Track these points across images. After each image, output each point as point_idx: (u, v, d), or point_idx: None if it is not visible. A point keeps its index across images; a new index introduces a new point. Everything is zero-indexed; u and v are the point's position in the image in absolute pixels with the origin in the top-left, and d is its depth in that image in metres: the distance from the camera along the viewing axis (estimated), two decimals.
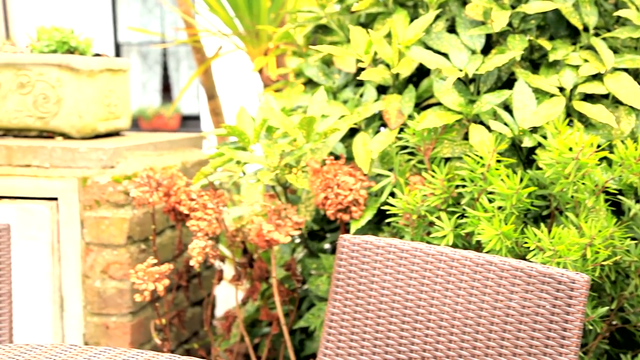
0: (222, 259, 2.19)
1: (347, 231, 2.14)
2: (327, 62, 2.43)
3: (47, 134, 2.50)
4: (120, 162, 2.35)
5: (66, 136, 2.48)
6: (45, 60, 2.41)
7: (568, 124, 1.83)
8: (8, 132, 2.50)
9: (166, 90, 10.12)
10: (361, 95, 2.21)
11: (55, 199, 2.29)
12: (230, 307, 3.24)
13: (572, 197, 1.67)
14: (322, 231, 2.46)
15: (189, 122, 9.65)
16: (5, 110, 2.45)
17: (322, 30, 2.43)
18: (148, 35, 9.44)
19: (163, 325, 2.27)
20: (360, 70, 2.25)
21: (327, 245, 2.50)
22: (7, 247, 1.94)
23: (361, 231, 2.09)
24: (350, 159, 2.14)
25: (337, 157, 2.14)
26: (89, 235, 2.28)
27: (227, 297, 3.53)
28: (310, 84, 2.49)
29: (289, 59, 2.61)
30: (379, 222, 2.18)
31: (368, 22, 2.33)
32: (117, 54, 9.32)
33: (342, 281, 1.68)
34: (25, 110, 2.45)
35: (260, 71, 2.97)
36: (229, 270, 3.26)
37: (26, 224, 2.27)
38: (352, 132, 2.23)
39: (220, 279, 2.32)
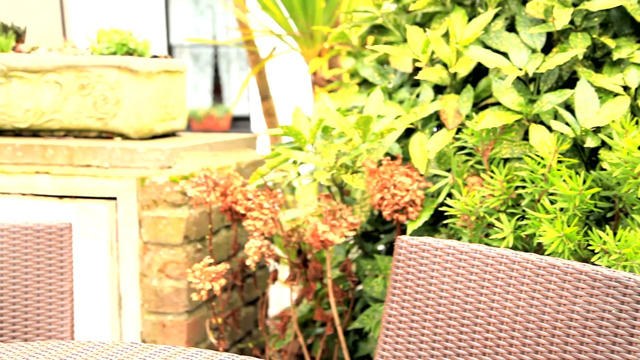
0: (277, 259, 2.20)
1: (403, 232, 2.12)
2: (383, 62, 2.42)
3: (106, 135, 2.55)
4: (177, 162, 2.37)
5: (124, 137, 2.52)
6: (105, 62, 2.45)
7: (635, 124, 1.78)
8: (69, 132, 2.56)
9: (217, 91, 10.23)
10: (417, 95, 2.19)
11: (114, 198, 2.33)
12: (282, 307, 3.25)
13: (639, 198, 1.63)
14: (377, 232, 2.45)
15: (239, 123, 9.73)
16: (66, 111, 2.51)
17: (377, 30, 2.42)
18: (200, 37, 9.55)
19: (219, 325, 2.28)
20: (416, 70, 2.23)
21: (381, 247, 2.48)
22: (69, 245, 1.98)
23: (417, 232, 2.07)
24: (406, 159, 2.12)
25: (393, 158, 2.13)
26: (147, 234, 2.31)
27: (278, 297, 3.54)
28: (365, 84, 2.48)
29: (343, 59, 2.60)
30: (435, 223, 2.16)
31: (424, 22, 2.31)
32: (170, 56, 9.46)
33: (400, 282, 1.66)
34: (86, 111, 2.50)
35: (314, 72, 2.97)
36: (281, 270, 3.27)
37: (86, 223, 2.32)
38: (408, 132, 2.21)
39: (275, 279, 2.33)
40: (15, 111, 2.52)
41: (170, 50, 9.57)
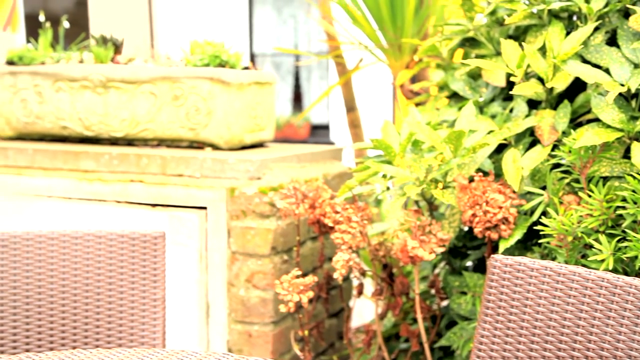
0: (363, 272, 2.19)
1: (494, 249, 2.08)
2: (474, 75, 2.38)
3: (197, 145, 2.60)
4: (266, 173, 2.40)
5: (215, 147, 2.57)
6: (198, 74, 2.51)
7: None
8: (161, 142, 2.62)
9: (297, 99, 10.32)
10: (511, 110, 2.15)
11: (205, 208, 2.37)
12: (362, 319, 3.23)
13: None
14: (464, 248, 2.40)
15: (319, 131, 9.78)
16: (160, 121, 2.57)
17: (469, 42, 2.39)
18: (281, 46, 9.66)
19: (304, 336, 2.29)
20: (510, 84, 2.18)
21: (469, 263, 2.44)
22: (162, 253, 2.03)
23: (509, 250, 2.02)
24: (498, 175, 2.08)
25: (485, 173, 2.09)
26: (235, 244, 2.34)
27: (359, 309, 3.53)
28: (455, 97, 2.44)
29: (432, 71, 2.58)
30: (527, 242, 2.11)
31: (518, 35, 2.26)
32: (253, 64, 9.60)
33: (493, 303, 1.63)
34: (178, 121, 2.56)
35: (401, 84, 2.96)
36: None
37: (177, 231, 2.37)
38: (500, 147, 2.17)
39: (360, 292, 2.32)
40: (112, 120, 2.61)
41: (252, 58, 9.72)
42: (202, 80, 2.51)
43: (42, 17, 2.94)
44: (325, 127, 9.77)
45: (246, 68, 2.64)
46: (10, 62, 2.77)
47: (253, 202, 2.32)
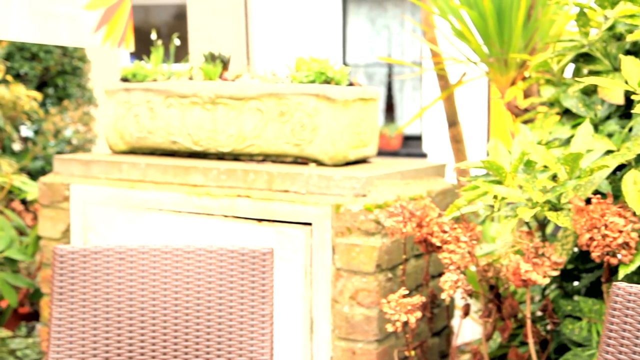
0: (471, 293, 2.15)
1: (611, 274, 2.00)
2: (588, 92, 2.30)
3: (301, 160, 2.62)
4: (371, 190, 2.39)
5: (319, 163, 2.58)
6: (304, 90, 2.53)
7: None
8: (267, 157, 2.66)
9: (389, 110, 10.29)
10: (630, 129, 2.06)
11: (310, 224, 2.39)
12: (463, 339, 3.17)
13: None
14: (577, 270, 2.32)
15: (411, 142, 9.72)
16: (266, 136, 2.61)
17: (583, 58, 2.31)
18: (374, 57, 9.66)
19: (409, 356, 2.27)
20: (628, 101, 2.10)
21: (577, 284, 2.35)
22: (270, 269, 2.05)
23: (628, 277, 1.94)
24: (617, 197, 2.00)
25: (602, 195, 2.01)
26: (340, 261, 2.34)
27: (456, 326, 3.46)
28: (567, 114, 2.37)
29: (542, 87, 2.51)
30: None
31: (637, 50, 2.18)
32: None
33: (616, 332, 1.56)
34: (283, 137, 2.59)
35: (508, 100, 2.89)
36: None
37: (283, 247, 2.40)
38: (617, 167, 2.08)
39: (466, 313, 2.28)
40: (219, 136, 2.66)
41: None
42: (308, 97, 2.53)
43: (154, 35, 3.04)
44: (417, 138, 9.69)
45: (351, 84, 2.65)
46: (125, 79, 2.88)
47: (358, 220, 2.32)
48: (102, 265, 2.08)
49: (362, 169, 2.56)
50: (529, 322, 2.02)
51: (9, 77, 3.54)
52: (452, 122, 3.29)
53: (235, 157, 2.71)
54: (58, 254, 2.05)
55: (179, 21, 10.42)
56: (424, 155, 9.30)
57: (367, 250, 2.30)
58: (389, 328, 2.07)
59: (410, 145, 9.69)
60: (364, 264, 2.31)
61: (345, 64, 9.74)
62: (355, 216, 2.32)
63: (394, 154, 9.31)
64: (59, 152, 4.48)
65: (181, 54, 9.93)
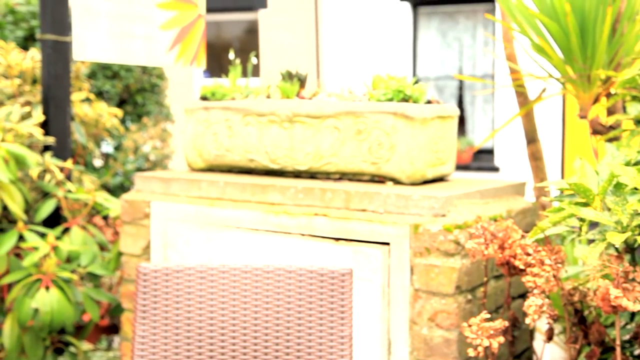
0: (556, 318, 2.08)
1: None
2: None
3: (378, 179, 2.61)
4: (450, 210, 2.36)
5: (396, 181, 2.56)
6: (381, 109, 2.52)
7: None
8: (343, 175, 2.65)
9: (460, 123, 10.17)
10: None
11: (388, 243, 2.36)
12: None
13: None
14: None
15: (482, 155, 9.56)
16: (342, 155, 2.61)
17: None
18: (445, 70, 9.57)
19: None
20: None
21: None
22: (349, 290, 2.04)
23: None
24: None
25: None
26: (418, 282, 2.31)
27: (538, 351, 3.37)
28: None
29: (629, 104, 2.43)
30: None
31: None
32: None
33: None
34: (360, 155, 2.58)
35: (590, 117, 2.81)
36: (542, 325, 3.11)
37: (361, 267, 2.38)
38: None
39: (550, 338, 2.21)
40: (297, 154, 2.67)
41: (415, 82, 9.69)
42: (386, 115, 2.52)
43: (231, 55, 3.09)
44: (489, 152, 9.53)
45: (429, 102, 2.62)
46: (204, 98, 2.92)
47: (437, 240, 2.28)
48: (184, 284, 2.11)
49: (440, 188, 2.52)
50: (618, 350, 1.95)
51: (91, 96, 3.65)
52: (531, 139, 3.21)
53: (312, 175, 2.72)
54: (141, 272, 2.10)
55: (249, 36, 10.57)
56: (495, 169, 9.14)
57: (447, 271, 2.26)
58: (471, 353, 2.02)
59: (482, 159, 9.54)
60: (443, 285, 2.27)
61: (415, 77, 9.68)
62: (434, 236, 2.28)
63: (464, 167, 9.18)
64: (138, 168, 4.59)
65: (255, 67, 10.07)
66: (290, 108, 2.66)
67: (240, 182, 2.67)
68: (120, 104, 4.96)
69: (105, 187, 4.40)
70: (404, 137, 2.50)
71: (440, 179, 2.74)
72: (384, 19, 9.48)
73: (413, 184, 2.55)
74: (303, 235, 2.52)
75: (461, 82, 9.75)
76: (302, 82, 2.82)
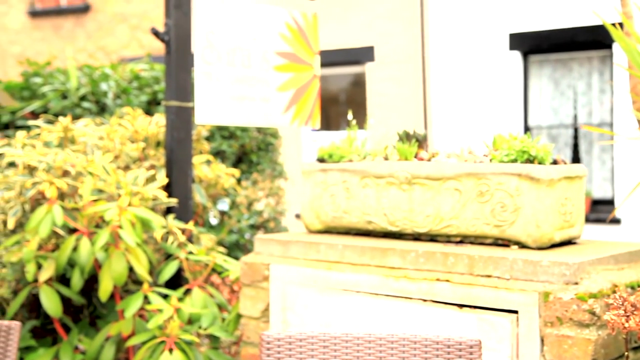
0: None
1: None
2: None
3: (501, 242, 2.51)
4: (583, 277, 2.23)
5: (521, 245, 2.46)
6: (505, 170, 2.44)
7: None
8: (465, 238, 2.58)
9: None
10: None
11: (515, 312, 2.26)
12: None
13: None
14: None
15: (601, 206, 9.14)
16: (464, 217, 2.53)
17: None
18: (558, 119, 9.29)
19: None
20: None
21: None
22: None
23: None
24: None
25: None
26: (550, 353, 2.19)
27: None
28: None
29: None
30: None
31: None
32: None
33: None
34: (483, 218, 2.50)
35: None
36: None
37: (486, 336, 2.28)
38: None
39: None
40: (416, 216, 2.63)
41: (527, 131, 9.45)
42: (510, 177, 2.43)
43: (350, 116, 3.10)
44: (608, 203, 9.10)
45: (555, 162, 2.52)
46: (321, 160, 2.94)
47: (570, 309, 2.16)
48: (307, 353, 2.08)
49: (570, 252, 2.40)
50: None
51: (210, 157, 3.75)
52: None
53: (432, 237, 2.65)
54: (265, 340, 2.09)
55: (355, 89, 10.68)
56: (616, 221, 8.70)
57: (581, 343, 2.13)
58: None
59: (600, 210, 9.11)
60: (577, 358, 2.14)
61: (527, 126, 9.45)
62: (567, 305, 2.16)
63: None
64: (252, 225, 4.66)
65: (359, 121, 10.14)
66: (409, 170, 2.62)
67: (359, 245, 2.64)
68: (236, 162, 5.08)
69: (221, 244, 4.48)
70: (530, 199, 2.40)
71: (568, 242, 2.61)
72: (494, 69, 9.35)
73: (540, 248, 2.44)
74: (425, 300, 2.45)
75: (576, 131, 9.43)
76: (420, 142, 2.78)
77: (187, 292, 3.15)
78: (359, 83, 10.66)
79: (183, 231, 3.26)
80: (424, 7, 9.70)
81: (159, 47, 11.45)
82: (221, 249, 3.54)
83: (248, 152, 5.03)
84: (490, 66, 9.44)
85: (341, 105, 10.75)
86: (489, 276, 2.35)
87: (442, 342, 2.02)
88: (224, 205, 4.66)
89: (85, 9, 12.14)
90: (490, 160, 2.55)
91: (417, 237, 2.69)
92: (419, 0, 9.75)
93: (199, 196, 3.55)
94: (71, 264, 3.10)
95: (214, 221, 4.55)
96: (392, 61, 10.00)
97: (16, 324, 2.32)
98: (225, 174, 3.80)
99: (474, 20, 9.47)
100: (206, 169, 3.71)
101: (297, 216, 9.01)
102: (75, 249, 2.99)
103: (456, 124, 9.46)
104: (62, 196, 3.16)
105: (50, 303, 2.94)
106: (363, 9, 10.03)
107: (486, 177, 2.48)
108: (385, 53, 10.05)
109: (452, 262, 2.43)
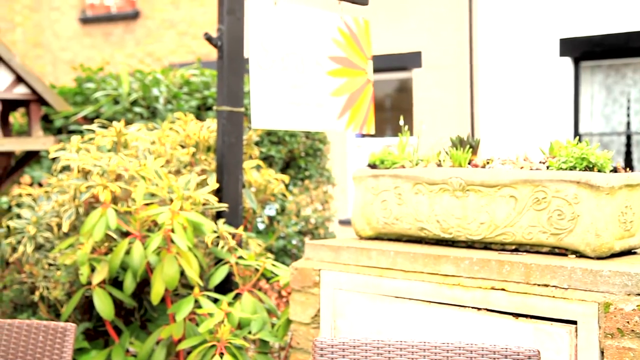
0: None
1: None
2: None
3: (558, 251, 2.45)
4: None
5: (579, 254, 2.40)
6: (563, 177, 2.38)
7: None
8: (520, 246, 2.52)
9: None
10: None
11: (574, 322, 2.20)
12: None
13: None
14: None
15: None
16: (519, 225, 2.48)
17: None
18: (611, 126, 9.10)
19: None
20: None
21: None
22: None
23: None
24: None
25: None
26: None
27: None
28: None
29: None
30: None
31: None
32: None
33: None
34: (539, 226, 2.45)
35: None
36: None
37: (543, 346, 2.23)
38: None
39: None
40: (470, 224, 2.58)
41: (578, 138, 9.27)
42: (568, 184, 2.38)
43: (401, 122, 3.07)
44: None
45: (614, 169, 2.45)
46: (372, 166, 2.91)
47: (632, 321, 2.09)
48: None
49: (631, 262, 2.33)
50: None
51: (260, 162, 3.76)
52: None
53: (486, 245, 2.61)
54: (318, 347, 2.07)
55: (401, 94, 10.62)
56: None
57: None
58: None
59: None
60: None
61: (578, 133, 9.28)
62: (629, 317, 2.10)
63: None
64: (299, 232, 4.66)
65: (406, 127, 10.07)
66: (464, 176, 2.58)
67: (411, 252, 2.61)
68: (284, 168, 5.09)
69: (269, 250, 4.48)
70: (589, 207, 2.34)
71: (628, 252, 2.54)
72: (543, 75, 9.21)
73: (599, 257, 2.37)
74: (479, 309, 2.40)
75: (629, 138, 9.23)
76: (473, 148, 2.74)
77: (237, 296, 3.16)
78: (404, 89, 10.61)
79: (233, 236, 3.27)
80: (472, 12, 9.61)
81: (205, 53, 11.57)
82: (269, 254, 3.53)
83: (296, 157, 5.03)
84: (539, 72, 9.30)
85: (386, 112, 10.70)
86: (546, 285, 2.30)
87: (499, 351, 1.98)
88: (271, 210, 4.67)
89: (134, 16, 12.34)
90: (548, 167, 2.50)
91: (470, 244, 2.65)
92: (467, 5, 9.66)
93: (248, 201, 3.55)
94: (123, 267, 3.13)
95: (261, 226, 4.55)
96: (440, 67, 9.91)
97: (72, 325, 2.34)
98: (274, 179, 3.80)
99: (523, 25, 9.34)
100: (256, 174, 3.72)
101: (341, 222, 8.99)
102: (127, 252, 3.02)
103: (504, 131, 9.33)
104: (115, 200, 3.20)
105: (104, 305, 2.97)
106: (410, 15, 9.97)
107: (543, 184, 2.43)
108: (432, 59, 9.97)
109: (507, 271, 2.38)
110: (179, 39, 12.13)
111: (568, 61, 9.18)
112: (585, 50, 9.09)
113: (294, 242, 4.79)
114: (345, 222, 8.80)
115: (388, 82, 10.94)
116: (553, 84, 9.25)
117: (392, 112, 10.86)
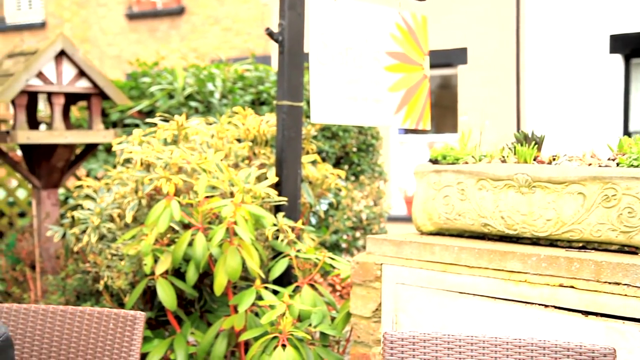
0: None
1: None
2: None
3: (627, 249, 2.42)
4: None
5: None
6: (634, 174, 2.35)
7: None
8: (587, 244, 2.50)
9: None
10: None
11: None
12: None
13: None
14: None
15: None
16: (587, 222, 2.46)
17: None
18: None
19: None
20: None
21: None
22: None
23: None
24: None
25: None
26: None
27: None
28: None
29: None
30: None
31: None
32: None
33: None
34: (609, 223, 2.42)
35: None
36: None
37: (615, 345, 2.20)
38: None
39: None
40: (535, 220, 2.56)
41: (627, 136, 9.12)
42: (638, 181, 2.34)
43: (464, 117, 3.06)
44: None
45: None
46: (434, 161, 2.91)
47: None
48: (430, 354, 2.06)
49: None
50: None
51: (317, 157, 3.78)
52: None
53: (552, 242, 2.59)
54: (388, 340, 2.08)
55: (444, 91, 10.56)
56: None
57: None
58: None
59: None
60: None
61: (627, 132, 9.13)
62: None
63: None
64: (352, 227, 4.67)
65: (449, 123, 10.02)
66: (530, 173, 2.56)
67: (475, 247, 2.60)
68: (336, 163, 5.11)
69: (322, 244, 4.50)
70: None
71: None
72: (593, 72, 9.08)
73: None
74: (546, 306, 2.39)
75: None
76: (539, 145, 2.71)
77: (296, 289, 3.18)
78: (448, 86, 10.54)
79: (292, 229, 3.29)
80: (520, 8, 9.50)
81: (250, 49, 11.63)
82: (323, 249, 3.55)
83: (349, 152, 5.04)
84: (589, 70, 9.17)
85: (431, 108, 10.65)
86: (617, 283, 2.27)
87: (573, 349, 1.96)
88: (323, 205, 4.69)
89: (180, 12, 12.47)
90: (617, 164, 2.47)
91: (535, 241, 2.63)
92: (514, 1, 9.56)
93: (306, 195, 3.57)
94: (185, 258, 3.18)
95: (313, 221, 4.58)
96: (486, 64, 9.83)
97: (141, 314, 2.39)
98: (331, 174, 3.82)
99: (572, 21, 9.21)
100: (313, 168, 3.74)
101: (389, 219, 8.99)
102: (190, 243, 3.06)
103: (552, 128, 9.22)
104: (176, 192, 3.25)
105: (167, 296, 3.02)
106: (457, 11, 9.90)
107: (613, 181, 2.40)
108: (478, 55, 9.89)
109: (576, 268, 2.36)
110: (223, 35, 12.22)
111: (618, 58, 9.04)
112: (636, 47, 8.93)
113: (344, 237, 4.81)
114: (392, 219, 8.79)
115: (432, 79, 10.87)
116: (603, 82, 9.12)
117: (436, 109, 10.81)
